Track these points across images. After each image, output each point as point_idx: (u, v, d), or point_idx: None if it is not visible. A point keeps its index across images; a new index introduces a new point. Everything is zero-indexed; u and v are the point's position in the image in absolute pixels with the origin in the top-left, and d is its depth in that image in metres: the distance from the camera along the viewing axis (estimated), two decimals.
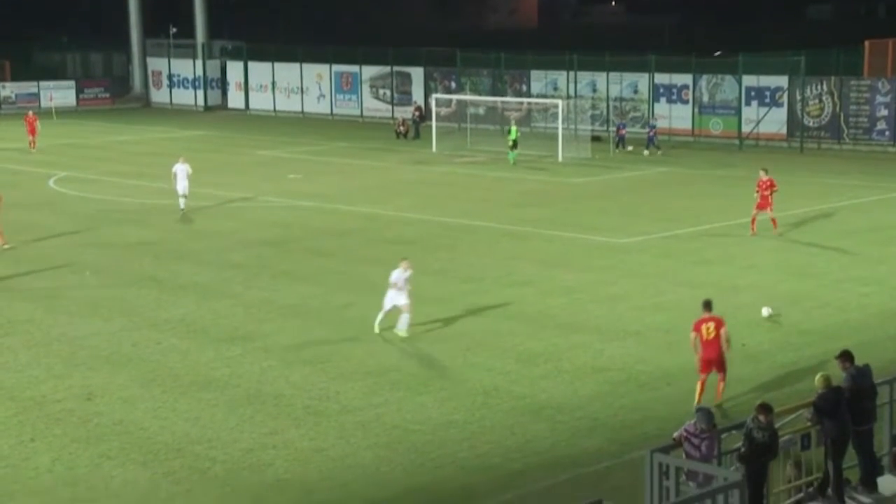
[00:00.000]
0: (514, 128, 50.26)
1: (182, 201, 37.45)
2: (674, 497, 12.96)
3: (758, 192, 33.20)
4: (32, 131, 54.55)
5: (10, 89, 74.84)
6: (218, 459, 17.43)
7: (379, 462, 17.45)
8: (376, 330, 23.76)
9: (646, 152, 52.86)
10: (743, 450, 13.50)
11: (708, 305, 19.99)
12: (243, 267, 30.14)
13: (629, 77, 60.19)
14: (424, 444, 18.12)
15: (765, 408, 13.48)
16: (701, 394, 19.38)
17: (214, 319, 25.11)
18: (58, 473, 16.94)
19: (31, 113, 57.24)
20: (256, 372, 21.50)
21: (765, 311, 25.07)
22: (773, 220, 33.27)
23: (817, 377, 14.33)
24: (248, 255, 31.50)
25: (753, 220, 33.41)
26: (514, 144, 49.48)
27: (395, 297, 23.51)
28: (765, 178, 33.10)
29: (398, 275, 23.56)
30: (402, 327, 23.56)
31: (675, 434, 13.74)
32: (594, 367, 21.91)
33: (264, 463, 17.35)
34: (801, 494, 14.31)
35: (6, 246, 27.61)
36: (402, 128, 60.45)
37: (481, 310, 25.83)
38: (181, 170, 37.46)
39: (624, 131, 54.96)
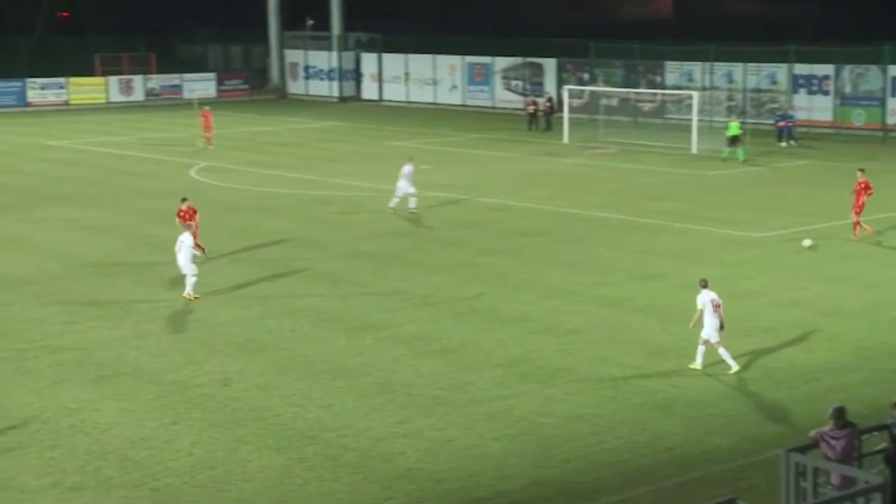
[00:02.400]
0: (735, 123, 48.38)
1: (412, 201, 35.94)
2: (811, 498, 12.65)
3: (854, 192, 31.66)
4: (208, 127, 52.97)
5: (155, 81, 77.09)
6: (349, 447, 17.71)
7: (507, 454, 17.48)
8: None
9: (784, 144, 51.72)
10: (888, 450, 13.04)
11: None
12: (375, 257, 30.51)
13: (767, 68, 58.89)
14: (553, 437, 18.08)
15: None
16: None
17: (346, 308, 25.49)
18: (197, 456, 17.43)
19: (206, 108, 54.93)
20: (387, 361, 21.76)
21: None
22: (855, 225, 31.48)
23: None
24: (379, 245, 31.87)
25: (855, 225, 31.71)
26: (736, 140, 47.27)
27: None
28: (861, 178, 31.80)
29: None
30: None
31: (812, 433, 13.40)
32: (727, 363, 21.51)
33: (394, 452, 17.55)
34: None
35: (205, 258, 28.45)
36: (532, 107, 60.24)
37: (611, 303, 25.64)
38: (408, 170, 36.02)
39: (783, 123, 53.31)
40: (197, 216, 29.29)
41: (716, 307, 20.80)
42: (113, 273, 28.82)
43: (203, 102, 60.87)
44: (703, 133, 51.14)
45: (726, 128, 48.86)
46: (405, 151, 52.05)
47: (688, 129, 51.33)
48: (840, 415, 13.22)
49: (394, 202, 36.30)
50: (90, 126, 63.52)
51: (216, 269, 29.17)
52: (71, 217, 36.43)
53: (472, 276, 28.23)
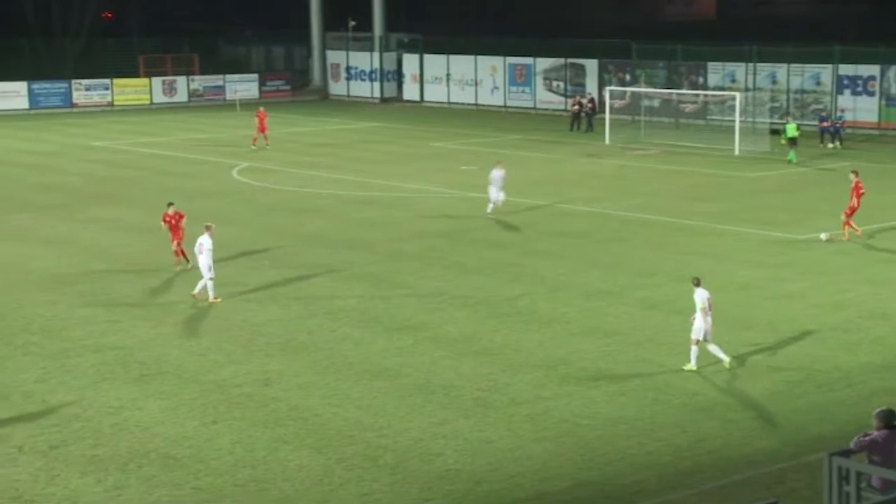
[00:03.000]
0: (792, 124, 47.72)
1: (492, 206, 35.44)
2: (854, 503, 12.50)
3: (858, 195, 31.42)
4: (262, 128, 52.69)
5: (198, 82, 77.61)
6: (389, 447, 17.74)
7: (547, 455, 17.44)
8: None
9: (830, 146, 51.24)
10: None
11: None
12: (415, 257, 30.55)
13: (811, 68, 58.38)
14: (593, 439, 18.02)
15: None
16: None
17: (387, 309, 25.54)
18: (238, 455, 17.54)
19: (261, 109, 54.44)
20: (427, 362, 21.77)
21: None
22: (845, 225, 31.42)
23: None
24: (420, 246, 31.91)
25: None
26: (794, 142, 46.83)
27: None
28: (854, 180, 31.57)
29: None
30: None
31: (855, 442, 13.18)
32: (768, 365, 21.37)
33: (433, 453, 17.56)
34: None
35: (188, 266, 28.42)
36: (576, 107, 60.12)
37: (653, 304, 25.51)
38: (498, 175, 35.50)
39: (826, 124, 52.77)
40: (183, 221, 28.91)
41: (709, 306, 20.94)
42: (155, 273, 29.05)
43: (255, 104, 61.09)
44: (746, 134, 50.76)
45: (784, 130, 48.41)
46: (446, 153, 52.19)
47: (730, 130, 50.98)
48: (887, 417, 13.07)
49: (490, 208, 35.54)
50: (134, 127, 64.10)
51: (257, 269, 29.33)
52: (115, 217, 36.77)
53: (513, 277, 28.19)
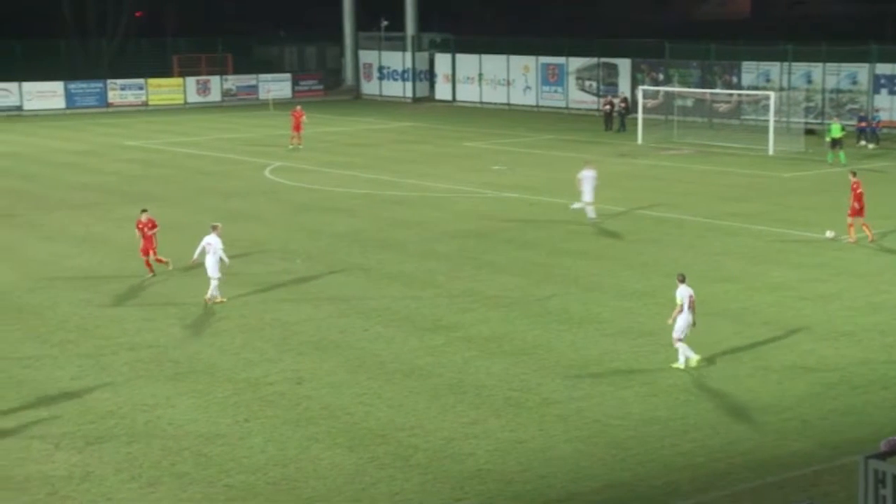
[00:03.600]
0: (837, 125, 47.10)
1: (590, 209, 34.55)
2: None
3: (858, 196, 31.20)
4: (297, 126, 52.59)
5: (231, 82, 78.02)
6: (420, 447, 17.75)
7: (579, 456, 17.40)
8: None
9: (871, 146, 50.78)
10: None
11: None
12: (447, 257, 30.55)
13: (847, 68, 57.91)
14: (625, 439, 17.96)
15: None
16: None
17: (418, 308, 25.56)
18: (270, 454, 17.60)
19: (298, 107, 54.47)
20: (458, 362, 21.77)
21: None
22: (850, 227, 31.34)
23: None
24: (451, 246, 31.91)
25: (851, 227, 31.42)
26: (837, 143, 46.14)
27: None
28: (854, 180, 31.39)
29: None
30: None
31: (884, 443, 13.06)
32: (803, 367, 21.22)
33: (465, 452, 17.56)
34: None
35: (170, 267, 28.64)
36: (607, 106, 60.01)
37: None
38: (588, 176, 34.67)
39: (864, 124, 52.26)
40: (156, 230, 28.56)
41: (691, 304, 20.95)
42: (189, 272, 29.19)
43: (288, 103, 61.11)
44: (781, 134, 50.42)
45: (828, 130, 47.98)
46: (478, 152, 52.16)
47: (764, 130, 50.67)
48: None
49: (591, 212, 34.63)
50: (168, 126, 64.51)
51: (289, 268, 29.43)
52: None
53: (545, 277, 28.14)
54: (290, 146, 53.03)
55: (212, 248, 25.93)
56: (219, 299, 26.04)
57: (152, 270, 28.56)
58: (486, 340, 23.07)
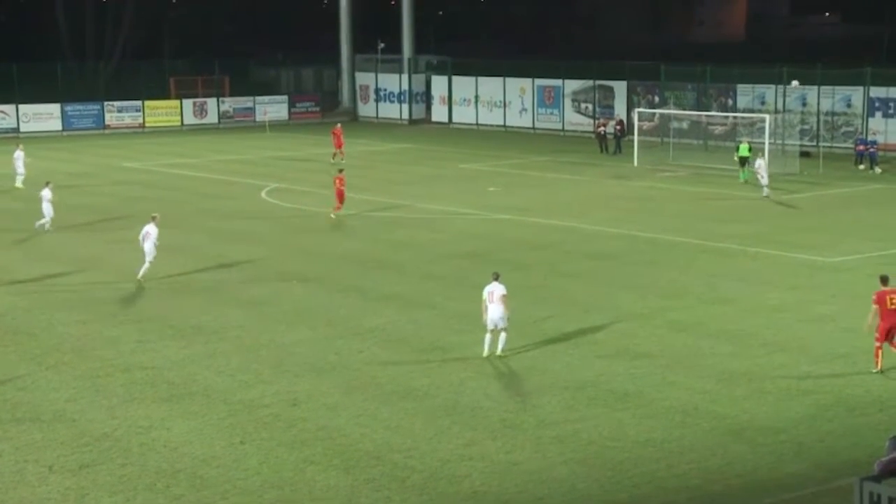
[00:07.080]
0: (745, 144, 48.27)
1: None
2: None
3: None
4: (339, 144, 55.62)
5: (228, 104, 78.08)
6: (416, 469, 17.71)
7: (575, 477, 17.36)
8: None
9: (877, 170, 50.72)
10: None
11: (885, 280, 22.45)
12: (443, 278, 30.56)
13: (842, 90, 58.09)
14: (622, 461, 17.93)
15: None
16: (880, 359, 21.73)
17: (415, 329, 25.54)
18: (265, 475, 17.55)
19: (338, 125, 58.51)
20: (455, 383, 21.75)
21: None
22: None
23: None
24: (448, 267, 31.92)
25: None
26: (745, 161, 47.31)
27: None
28: None
29: None
30: None
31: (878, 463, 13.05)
32: (799, 389, 21.22)
33: (461, 474, 17.52)
34: None
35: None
36: (601, 129, 60.16)
37: (682, 327, 25.39)
38: None
39: (862, 147, 52.39)
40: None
41: (501, 297, 22.64)
42: (185, 293, 29.20)
43: (284, 125, 61.10)
44: (776, 156, 50.49)
45: (737, 149, 48.88)
46: (474, 174, 52.22)
47: (760, 152, 50.68)
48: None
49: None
50: (165, 148, 64.56)
51: (286, 289, 29.42)
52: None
53: (541, 298, 28.14)
54: (332, 161, 53.78)
55: (150, 236, 29.81)
56: (139, 276, 29.50)
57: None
58: (483, 362, 23.05)
